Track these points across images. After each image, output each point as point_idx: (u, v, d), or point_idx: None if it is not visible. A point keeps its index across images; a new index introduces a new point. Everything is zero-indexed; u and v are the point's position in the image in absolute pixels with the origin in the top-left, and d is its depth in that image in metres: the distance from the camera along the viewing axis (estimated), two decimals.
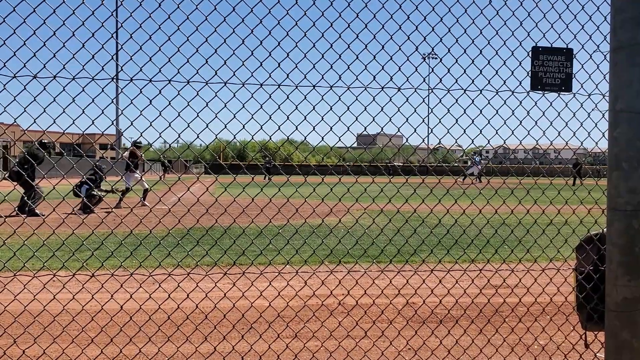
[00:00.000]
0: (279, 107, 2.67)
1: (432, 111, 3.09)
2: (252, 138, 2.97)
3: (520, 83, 2.78)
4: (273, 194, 3.06)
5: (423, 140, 3.53)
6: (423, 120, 3.18)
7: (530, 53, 2.77)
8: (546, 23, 2.75)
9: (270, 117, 2.71)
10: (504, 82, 2.77)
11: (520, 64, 2.79)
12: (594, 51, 2.80)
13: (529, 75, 2.77)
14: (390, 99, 2.83)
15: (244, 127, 2.71)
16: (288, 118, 2.80)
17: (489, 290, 5.55)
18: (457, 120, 2.89)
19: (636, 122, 2.59)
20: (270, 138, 2.97)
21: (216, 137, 2.90)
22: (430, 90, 2.82)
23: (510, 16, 2.73)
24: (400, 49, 2.75)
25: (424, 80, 2.98)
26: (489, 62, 2.80)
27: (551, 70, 2.79)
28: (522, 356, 3.71)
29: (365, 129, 2.90)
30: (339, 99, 2.76)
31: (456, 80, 2.74)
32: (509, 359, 3.75)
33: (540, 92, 2.80)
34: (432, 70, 2.82)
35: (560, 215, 3.68)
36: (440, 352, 3.74)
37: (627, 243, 2.58)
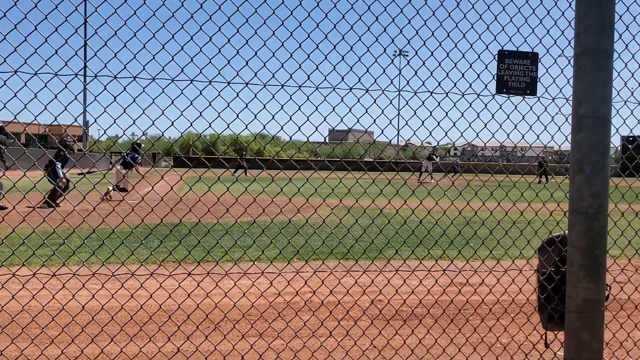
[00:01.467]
0: (247, 105, 2.65)
1: (399, 113, 3.10)
2: (219, 137, 2.94)
3: (486, 86, 2.82)
4: (241, 193, 3.03)
5: (390, 142, 3.54)
6: (390, 122, 3.19)
7: (496, 56, 2.80)
8: (512, 27, 2.79)
9: (237, 116, 2.68)
10: (470, 85, 2.80)
11: (486, 67, 2.82)
12: (559, 55, 2.85)
13: (495, 78, 2.80)
14: (359, 100, 2.83)
15: (210, 125, 2.69)
16: (255, 117, 2.77)
17: (453, 289, 5.62)
18: (423, 122, 2.91)
19: (599, 126, 2.63)
20: (237, 137, 2.94)
21: (182, 135, 2.85)
22: (398, 92, 2.83)
23: (478, 19, 2.76)
24: (368, 50, 2.75)
25: (391, 82, 3.00)
26: (455, 65, 2.82)
27: (516, 73, 2.82)
28: (484, 355, 3.76)
29: (333, 129, 2.90)
30: (307, 98, 2.75)
31: (423, 83, 2.76)
32: (472, 358, 3.79)
33: (505, 95, 2.83)
34: (400, 72, 2.83)
35: (524, 216, 3.73)
36: (404, 351, 3.76)
37: (588, 246, 2.63)
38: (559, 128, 2.96)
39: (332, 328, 3.94)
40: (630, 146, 4.30)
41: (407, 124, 2.94)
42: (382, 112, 2.98)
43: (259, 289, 3.90)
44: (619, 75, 2.89)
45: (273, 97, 2.75)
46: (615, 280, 4.65)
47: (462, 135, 2.94)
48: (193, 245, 4.01)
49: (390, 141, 3.47)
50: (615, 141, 4.29)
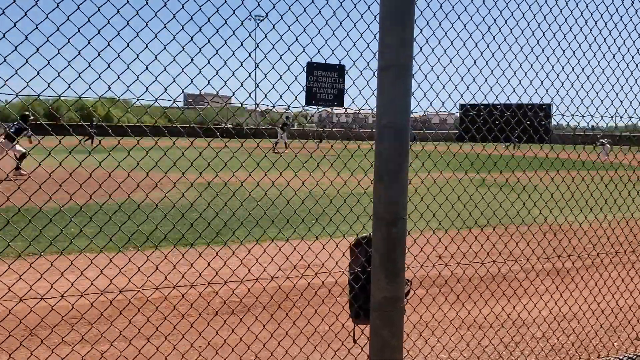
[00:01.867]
0: (89, 65, 2.47)
1: (255, 82, 3.07)
2: (60, 99, 2.69)
3: (296, 97, 2.88)
4: (74, 169, 2.80)
5: (244, 100, 3.46)
6: (241, 84, 3.05)
7: (305, 68, 2.87)
8: (321, 39, 2.85)
9: (79, 75, 2.49)
10: (280, 96, 2.84)
11: (295, 78, 2.88)
12: (364, 68, 2.97)
13: (304, 90, 2.87)
14: (208, 62, 2.72)
15: (49, 85, 2.46)
16: (99, 77, 2.58)
17: (289, 271, 5.76)
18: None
19: (399, 136, 2.79)
20: (80, 98, 2.71)
21: (17, 96, 2.60)
22: (208, 100, 2.80)
23: (287, 31, 2.79)
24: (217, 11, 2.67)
25: (242, 45, 2.91)
26: (265, 76, 2.85)
27: (325, 85, 2.91)
28: (310, 338, 3.92)
29: (183, 90, 2.78)
30: (155, 57, 2.59)
31: (238, 86, 2.75)
32: (297, 342, 3.95)
33: (314, 107, 2.91)
34: (209, 82, 2.78)
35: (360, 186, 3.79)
36: (231, 343, 3.82)
37: (388, 249, 2.82)
38: (365, 138, 3.11)
39: (159, 324, 3.90)
40: (467, 114, 4.61)
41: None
42: (233, 73, 2.87)
43: (87, 278, 3.72)
44: (419, 86, 3.08)
45: (118, 55, 2.57)
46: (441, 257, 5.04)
47: (277, 142, 2.98)
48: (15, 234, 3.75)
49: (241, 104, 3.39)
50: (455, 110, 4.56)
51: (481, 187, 4.29)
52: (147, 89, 2.67)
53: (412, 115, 2.95)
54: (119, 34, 2.54)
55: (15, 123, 16.72)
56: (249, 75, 3.13)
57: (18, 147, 15.94)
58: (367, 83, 2.97)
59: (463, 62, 3.47)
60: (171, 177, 3.38)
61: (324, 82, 2.91)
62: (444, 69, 3.43)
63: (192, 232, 7.54)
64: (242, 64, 2.96)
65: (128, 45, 2.58)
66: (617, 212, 4.91)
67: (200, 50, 2.74)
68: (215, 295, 4.06)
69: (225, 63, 2.85)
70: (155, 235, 7.20)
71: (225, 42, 2.83)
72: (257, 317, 3.99)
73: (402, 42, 2.77)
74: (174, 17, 2.61)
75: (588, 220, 5.07)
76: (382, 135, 2.78)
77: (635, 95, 4.30)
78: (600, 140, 31.57)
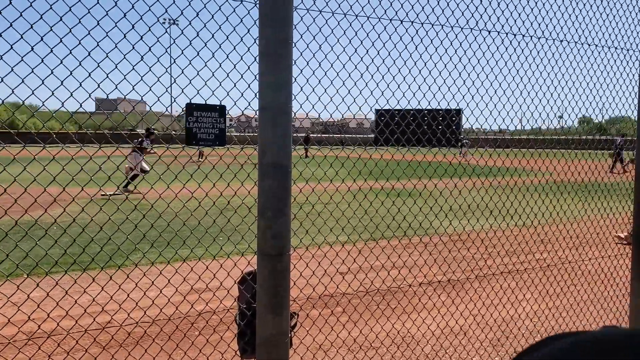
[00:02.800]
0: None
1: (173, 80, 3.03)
2: None
3: (175, 138, 2.90)
4: None
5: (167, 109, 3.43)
6: (166, 91, 3.00)
7: (184, 109, 2.89)
8: (200, 80, 2.89)
9: None
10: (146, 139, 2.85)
11: (171, 120, 2.89)
12: (245, 108, 3.03)
13: (184, 131, 2.89)
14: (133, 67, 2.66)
15: None
16: (2, 80, 2.45)
17: (192, 296, 5.72)
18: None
19: (280, 174, 2.87)
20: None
21: None
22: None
23: (164, 73, 2.80)
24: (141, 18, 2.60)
25: (167, 51, 2.88)
26: (142, 118, 2.85)
27: (205, 126, 2.95)
28: None
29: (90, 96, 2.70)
30: (80, 64, 2.49)
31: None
32: None
33: (195, 147, 2.94)
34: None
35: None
36: None
37: (273, 284, 2.89)
38: (248, 175, 3.17)
39: None
40: (382, 119, 4.72)
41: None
42: (158, 79, 2.80)
43: None
44: (300, 123, 3.16)
45: (22, 59, 2.45)
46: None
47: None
48: None
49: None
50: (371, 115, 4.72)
51: (381, 197, 4.41)
52: (52, 92, 2.57)
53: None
54: (22, 37, 2.44)
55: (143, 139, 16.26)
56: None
57: (144, 163, 15.38)
58: (248, 121, 3.03)
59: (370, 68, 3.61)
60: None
61: (205, 122, 2.94)
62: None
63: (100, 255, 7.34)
64: (166, 69, 2.91)
65: (32, 49, 2.48)
66: (510, 220, 5.18)
67: (124, 56, 2.67)
68: (102, 330, 3.99)
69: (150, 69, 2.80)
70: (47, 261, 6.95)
71: (150, 49, 2.77)
72: (146, 350, 3.96)
73: (280, 81, 2.85)
74: (98, 23, 2.54)
75: (484, 229, 5.32)
76: (266, 172, 2.86)
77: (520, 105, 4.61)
78: (464, 141, 35.06)
